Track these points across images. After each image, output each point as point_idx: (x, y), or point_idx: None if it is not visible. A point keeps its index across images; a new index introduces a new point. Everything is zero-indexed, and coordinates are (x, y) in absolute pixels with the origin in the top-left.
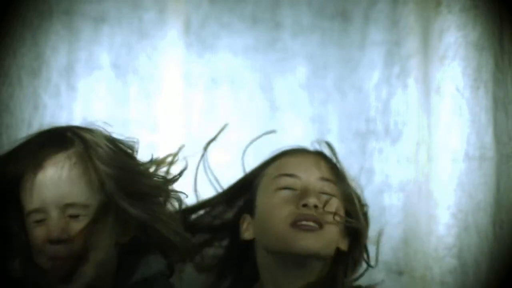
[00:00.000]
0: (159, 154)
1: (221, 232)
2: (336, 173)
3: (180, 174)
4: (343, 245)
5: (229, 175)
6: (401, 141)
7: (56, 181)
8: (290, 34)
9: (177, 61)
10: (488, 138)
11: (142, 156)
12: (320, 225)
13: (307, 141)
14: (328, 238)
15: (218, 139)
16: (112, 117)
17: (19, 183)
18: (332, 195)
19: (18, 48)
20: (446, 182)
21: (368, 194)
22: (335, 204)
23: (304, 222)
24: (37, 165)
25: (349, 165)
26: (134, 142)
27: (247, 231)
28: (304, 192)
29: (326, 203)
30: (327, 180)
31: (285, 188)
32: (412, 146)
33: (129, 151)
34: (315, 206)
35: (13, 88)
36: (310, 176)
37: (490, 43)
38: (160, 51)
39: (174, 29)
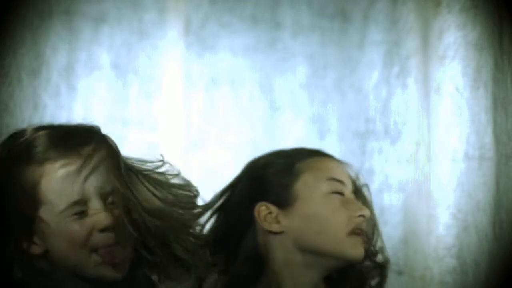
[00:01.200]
0: (159, 154)
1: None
2: (359, 189)
3: (205, 209)
4: None
5: (229, 175)
6: (401, 141)
7: (95, 170)
8: (290, 34)
9: (177, 61)
10: (488, 138)
11: (142, 156)
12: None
13: (307, 141)
14: None
15: (217, 139)
16: (112, 117)
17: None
18: None
19: (18, 48)
20: (446, 182)
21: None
22: None
23: (359, 232)
24: (76, 157)
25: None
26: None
27: (275, 223)
28: (355, 202)
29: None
30: (355, 193)
31: (337, 192)
32: (411, 146)
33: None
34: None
35: (13, 88)
36: (350, 185)
37: (490, 43)
38: (160, 51)
39: (174, 29)
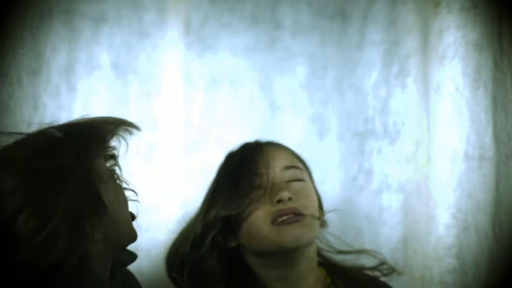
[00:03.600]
0: (159, 154)
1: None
2: (298, 158)
3: None
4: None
5: None
6: (400, 141)
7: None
8: (290, 34)
9: (177, 61)
10: (488, 138)
11: (143, 156)
12: (302, 214)
13: (306, 141)
14: (311, 223)
15: (217, 139)
16: None
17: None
18: (302, 180)
19: (18, 48)
20: (446, 182)
21: (367, 194)
22: (308, 187)
23: (284, 217)
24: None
25: (348, 165)
26: None
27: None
28: (273, 188)
29: (298, 192)
30: (292, 167)
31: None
32: (411, 146)
33: None
34: (289, 199)
35: (13, 88)
36: (274, 168)
37: (490, 43)
38: (160, 51)
39: (174, 29)
